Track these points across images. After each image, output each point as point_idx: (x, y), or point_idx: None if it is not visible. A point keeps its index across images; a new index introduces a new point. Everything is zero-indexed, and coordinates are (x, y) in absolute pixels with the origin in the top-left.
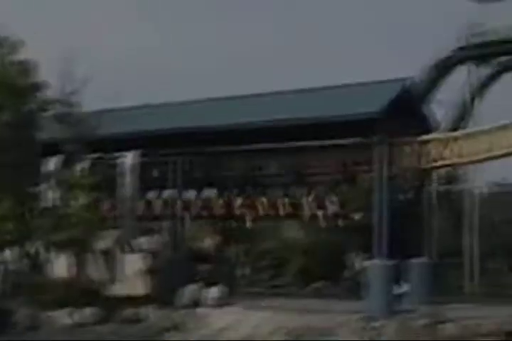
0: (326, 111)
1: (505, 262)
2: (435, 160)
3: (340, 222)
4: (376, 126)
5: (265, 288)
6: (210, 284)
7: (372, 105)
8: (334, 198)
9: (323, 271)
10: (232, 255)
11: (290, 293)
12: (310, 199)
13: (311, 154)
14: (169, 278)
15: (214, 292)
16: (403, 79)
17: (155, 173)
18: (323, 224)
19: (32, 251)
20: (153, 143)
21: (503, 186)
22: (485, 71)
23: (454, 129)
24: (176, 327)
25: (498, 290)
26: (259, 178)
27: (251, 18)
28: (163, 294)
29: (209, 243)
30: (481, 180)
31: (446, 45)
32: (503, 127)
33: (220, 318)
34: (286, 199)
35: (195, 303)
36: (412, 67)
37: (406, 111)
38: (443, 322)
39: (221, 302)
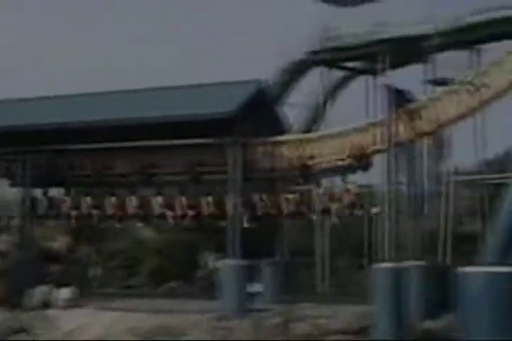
0: (181, 110)
1: (355, 261)
2: (288, 161)
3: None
4: (230, 127)
5: (118, 289)
6: (61, 285)
7: (227, 105)
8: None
9: (177, 271)
10: (83, 255)
11: (143, 293)
12: (159, 199)
13: (162, 154)
14: (18, 278)
15: (65, 293)
16: (258, 81)
17: (2, 171)
18: (173, 223)
19: None
20: (1, 140)
21: None
22: (338, 75)
23: (307, 131)
24: (24, 330)
25: (348, 289)
26: (108, 177)
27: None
28: (11, 295)
29: (60, 243)
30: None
31: (300, 48)
32: (354, 130)
33: (71, 320)
34: (135, 199)
35: (46, 305)
36: (268, 69)
37: (260, 112)
38: (294, 321)
39: (72, 304)
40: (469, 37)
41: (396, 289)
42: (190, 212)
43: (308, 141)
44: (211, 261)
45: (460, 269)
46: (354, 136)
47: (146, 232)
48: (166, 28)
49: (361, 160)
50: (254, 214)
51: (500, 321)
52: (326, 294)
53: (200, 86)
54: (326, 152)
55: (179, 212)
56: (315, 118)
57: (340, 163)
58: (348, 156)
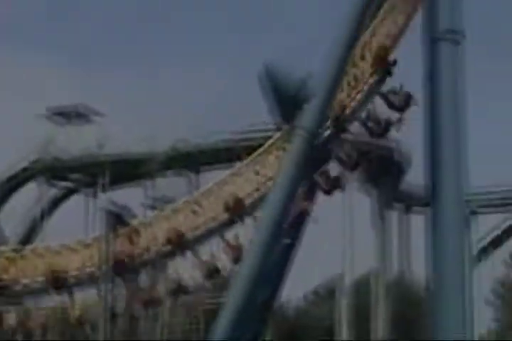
0: None
1: None
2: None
3: None
4: None
5: None
6: None
7: None
8: None
9: None
10: None
11: None
12: None
13: None
14: None
15: None
16: None
17: None
18: None
19: None
20: None
21: None
22: (56, 188)
23: (23, 244)
24: None
25: None
26: None
27: None
28: None
29: None
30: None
31: (19, 161)
32: (68, 247)
33: None
34: None
35: None
36: None
37: None
38: None
39: None
40: (189, 160)
41: None
42: None
43: (22, 256)
44: None
45: None
46: (58, 257)
47: None
48: None
49: (58, 283)
50: None
51: None
52: None
53: None
54: (27, 271)
55: None
56: (32, 231)
57: (37, 284)
58: (46, 279)
